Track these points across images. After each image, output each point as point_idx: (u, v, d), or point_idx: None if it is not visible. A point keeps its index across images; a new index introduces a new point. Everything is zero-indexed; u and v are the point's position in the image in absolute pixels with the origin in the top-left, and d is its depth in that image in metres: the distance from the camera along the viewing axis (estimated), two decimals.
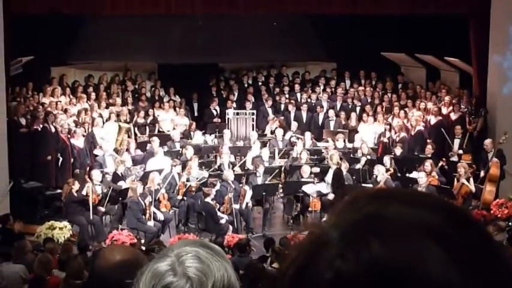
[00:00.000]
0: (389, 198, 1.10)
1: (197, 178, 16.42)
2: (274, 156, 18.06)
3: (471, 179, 16.09)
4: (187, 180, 16.27)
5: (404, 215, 1.05)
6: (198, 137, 19.15)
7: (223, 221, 15.26)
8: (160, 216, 15.23)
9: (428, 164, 16.40)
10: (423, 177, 15.73)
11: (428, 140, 18.29)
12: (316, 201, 16.34)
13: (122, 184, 16.09)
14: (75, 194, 15.18)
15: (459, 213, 1.08)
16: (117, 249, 3.09)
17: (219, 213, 15.31)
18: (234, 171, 16.76)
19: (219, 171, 16.94)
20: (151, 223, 14.91)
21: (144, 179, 15.91)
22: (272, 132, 19.56)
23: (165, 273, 1.75)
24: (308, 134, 19.16)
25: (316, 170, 17.09)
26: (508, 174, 16.92)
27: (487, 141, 17.15)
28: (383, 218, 1.04)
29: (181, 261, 1.75)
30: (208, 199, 15.35)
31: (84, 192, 15.18)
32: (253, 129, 19.84)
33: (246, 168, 17.44)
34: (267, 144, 18.95)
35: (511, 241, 10.94)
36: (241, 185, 16.15)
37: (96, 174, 16.02)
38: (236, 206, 15.70)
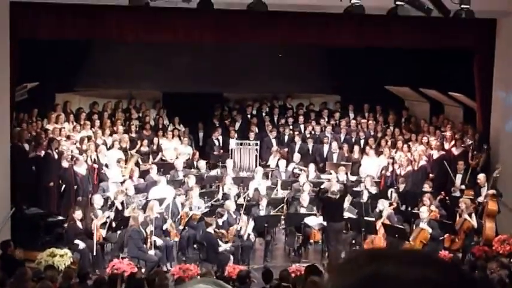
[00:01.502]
0: (386, 258, 1.15)
1: (199, 208, 16.40)
2: (276, 188, 18.04)
3: (473, 215, 16.06)
4: (190, 209, 16.24)
5: (402, 272, 1.10)
6: (203, 167, 19.13)
7: (224, 251, 15.20)
8: (161, 243, 15.21)
9: (426, 198, 16.37)
10: (425, 212, 15.70)
11: (430, 175, 18.31)
12: (316, 232, 16.31)
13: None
14: (80, 225, 15.13)
15: (452, 267, 1.13)
16: None
17: (220, 243, 15.25)
18: (236, 201, 16.75)
19: (222, 201, 16.93)
20: (152, 252, 14.88)
21: (146, 207, 15.88)
22: (276, 164, 19.49)
23: None
24: (312, 166, 19.16)
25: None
26: (508, 210, 16.91)
27: (481, 176, 17.18)
28: (384, 277, 1.08)
29: None
30: (210, 229, 15.31)
31: (89, 226, 15.06)
32: (256, 160, 19.83)
33: (248, 199, 17.41)
34: (269, 176, 18.95)
35: None
36: (240, 216, 16.02)
37: (97, 199, 16.01)
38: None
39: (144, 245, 14.84)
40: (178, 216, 16.18)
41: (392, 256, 1.15)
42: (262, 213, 16.54)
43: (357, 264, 1.13)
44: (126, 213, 15.87)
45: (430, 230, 15.40)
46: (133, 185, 17.29)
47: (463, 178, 17.99)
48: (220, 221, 15.47)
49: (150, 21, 16.98)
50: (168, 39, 18.16)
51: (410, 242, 15.30)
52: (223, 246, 15.24)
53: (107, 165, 18.42)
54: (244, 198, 17.20)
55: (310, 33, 17.80)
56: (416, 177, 18.26)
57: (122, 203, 16.27)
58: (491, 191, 16.47)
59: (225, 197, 17.30)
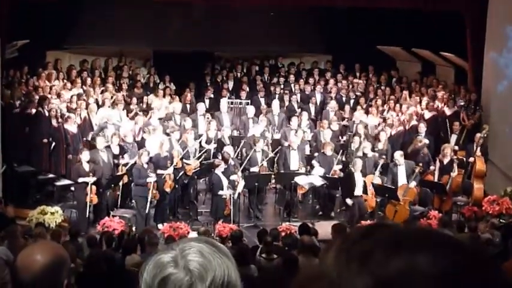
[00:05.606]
0: (413, 243, 1.05)
1: (194, 156, 16.40)
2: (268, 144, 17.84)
3: (455, 165, 16.15)
4: (183, 157, 16.25)
5: (437, 263, 1.02)
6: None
7: (223, 195, 15.30)
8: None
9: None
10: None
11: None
12: (303, 189, 16.29)
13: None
14: (86, 168, 15.04)
15: (476, 252, 1.08)
16: (39, 252, 2.85)
17: (221, 192, 15.30)
18: (234, 148, 16.82)
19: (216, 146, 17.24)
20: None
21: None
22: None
23: (167, 264, 1.80)
24: (305, 114, 19.01)
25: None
26: (497, 170, 17.00)
27: (478, 135, 17.20)
28: (419, 273, 1.01)
29: (184, 254, 1.80)
30: (217, 171, 15.34)
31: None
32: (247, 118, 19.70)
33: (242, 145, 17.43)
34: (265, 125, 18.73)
35: (506, 239, 10.91)
36: (235, 175, 15.93)
37: (100, 141, 15.93)
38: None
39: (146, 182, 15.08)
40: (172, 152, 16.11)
41: (416, 242, 1.05)
42: (259, 156, 16.60)
43: (379, 256, 1.02)
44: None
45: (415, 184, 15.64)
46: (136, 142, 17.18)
47: (458, 139, 17.98)
48: (223, 164, 15.50)
49: None
50: None
51: (400, 202, 15.38)
52: (224, 191, 15.29)
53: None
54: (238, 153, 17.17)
55: None
56: (408, 137, 18.23)
57: (121, 150, 16.30)
58: (478, 153, 16.55)
59: (223, 139, 17.57)
